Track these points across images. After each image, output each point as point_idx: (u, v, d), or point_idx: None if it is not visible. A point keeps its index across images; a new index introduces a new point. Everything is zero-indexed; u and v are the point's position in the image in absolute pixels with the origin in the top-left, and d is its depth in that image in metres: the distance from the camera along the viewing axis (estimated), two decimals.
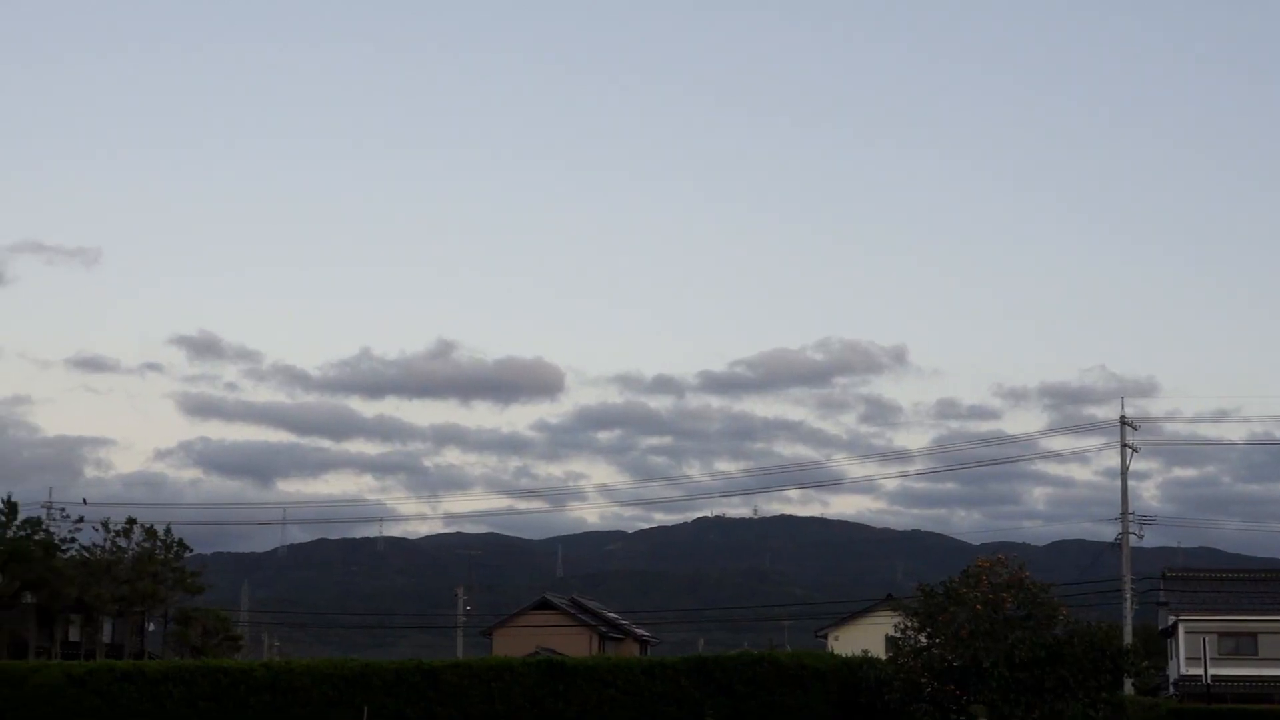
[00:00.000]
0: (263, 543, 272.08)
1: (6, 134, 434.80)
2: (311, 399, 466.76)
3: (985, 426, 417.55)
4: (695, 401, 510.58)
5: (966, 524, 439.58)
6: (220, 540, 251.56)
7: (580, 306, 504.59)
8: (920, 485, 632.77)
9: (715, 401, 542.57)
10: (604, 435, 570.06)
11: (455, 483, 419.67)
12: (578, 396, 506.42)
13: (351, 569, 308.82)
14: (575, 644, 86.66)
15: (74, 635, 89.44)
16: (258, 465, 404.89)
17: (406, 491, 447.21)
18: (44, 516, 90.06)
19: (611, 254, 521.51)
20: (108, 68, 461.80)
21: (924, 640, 34.40)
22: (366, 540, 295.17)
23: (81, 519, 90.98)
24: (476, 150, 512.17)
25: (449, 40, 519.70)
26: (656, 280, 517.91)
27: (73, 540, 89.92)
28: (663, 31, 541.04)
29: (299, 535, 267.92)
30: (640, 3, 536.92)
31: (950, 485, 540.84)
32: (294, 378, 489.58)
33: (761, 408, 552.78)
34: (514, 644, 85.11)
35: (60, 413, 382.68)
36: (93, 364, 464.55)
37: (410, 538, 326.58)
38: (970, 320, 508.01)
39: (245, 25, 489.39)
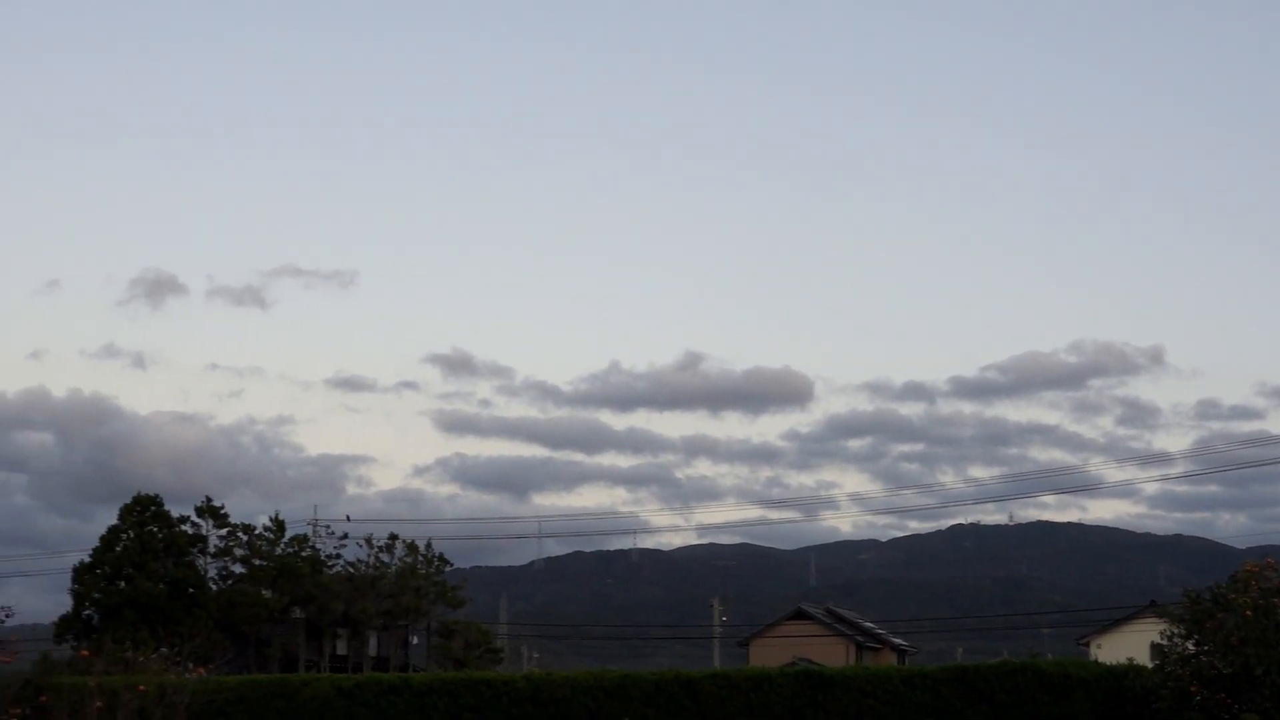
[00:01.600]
0: (519, 556, 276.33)
1: (264, 164, 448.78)
2: (563, 413, 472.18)
3: (1249, 427, 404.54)
4: (946, 407, 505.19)
5: (1231, 527, 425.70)
6: (478, 554, 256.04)
7: (828, 314, 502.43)
8: (1182, 488, 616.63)
9: (967, 407, 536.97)
10: (854, 443, 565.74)
11: (707, 494, 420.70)
12: (827, 405, 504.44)
13: (606, 581, 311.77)
14: (832, 654, 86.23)
15: (341, 649, 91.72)
16: (512, 480, 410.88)
17: (659, 503, 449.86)
18: (310, 533, 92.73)
19: (858, 261, 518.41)
20: (356, 98, 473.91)
21: (1191, 648, 33.48)
22: (621, 552, 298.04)
23: (346, 535, 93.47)
24: (721, 162, 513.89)
25: (693, 54, 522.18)
26: (904, 286, 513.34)
27: (338, 556, 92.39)
28: (910, 49, 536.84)
29: (555, 548, 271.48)
30: (898, 27, 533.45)
31: (1213, 488, 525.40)
32: (545, 392, 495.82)
33: (1014, 412, 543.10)
34: (770, 654, 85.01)
35: (322, 432, 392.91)
36: (351, 384, 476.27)
37: (664, 549, 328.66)
38: (1230, 318, 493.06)
39: (478, 44, 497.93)
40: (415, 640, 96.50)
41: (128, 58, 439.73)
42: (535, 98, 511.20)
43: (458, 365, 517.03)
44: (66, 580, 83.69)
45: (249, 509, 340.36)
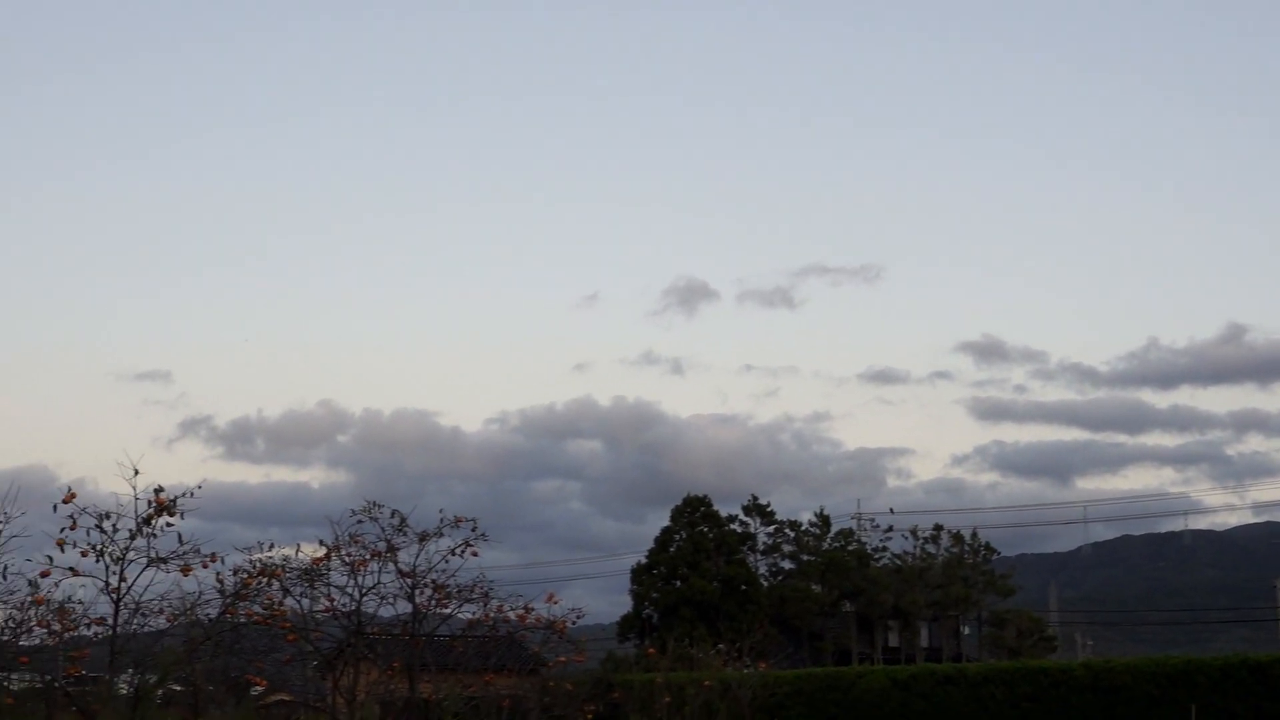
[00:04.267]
0: (1065, 542, 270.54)
1: (785, 165, 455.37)
2: (1101, 394, 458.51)
3: None
4: None
5: None
6: (1023, 541, 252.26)
7: None
8: None
9: None
10: None
11: (1262, 470, 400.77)
12: None
13: (1158, 564, 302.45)
14: None
15: (892, 640, 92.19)
16: (1053, 465, 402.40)
17: (1210, 482, 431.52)
18: (854, 527, 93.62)
19: None
20: (853, 94, 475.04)
21: None
22: (1172, 534, 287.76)
23: (891, 528, 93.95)
24: (1256, 123, 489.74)
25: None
26: None
27: (884, 549, 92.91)
28: None
29: (1102, 532, 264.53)
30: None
31: None
32: (1082, 374, 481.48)
33: None
34: None
35: (858, 426, 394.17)
36: (884, 376, 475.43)
37: (1218, 529, 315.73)
38: None
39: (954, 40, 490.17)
40: (966, 630, 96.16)
41: (653, 85, 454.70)
42: (1031, 89, 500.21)
43: (989, 352, 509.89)
44: (622, 581, 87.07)
45: (792, 505, 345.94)
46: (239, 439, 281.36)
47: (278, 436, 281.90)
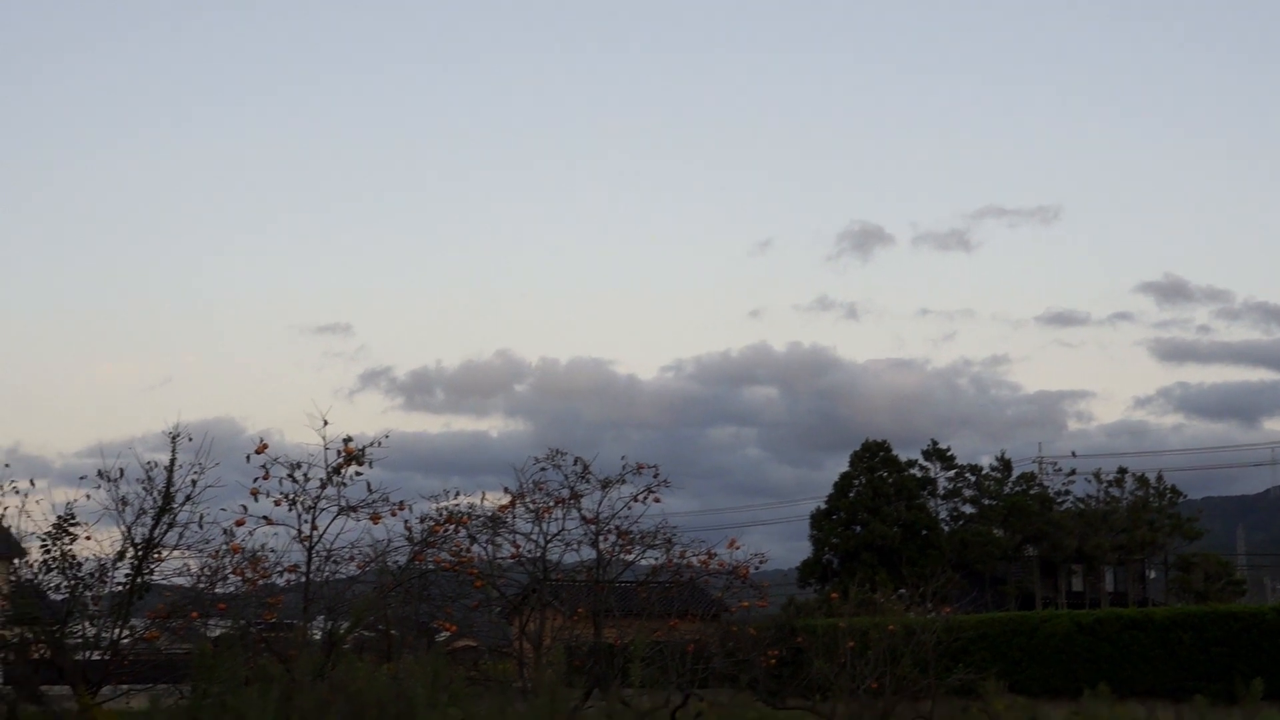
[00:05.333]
0: (1253, 484, 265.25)
1: (958, 107, 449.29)
2: None
3: None
4: None
5: None
6: (1209, 484, 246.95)
7: None
8: None
9: None
10: None
11: None
12: None
13: None
14: None
15: (1076, 585, 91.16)
16: (1240, 406, 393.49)
17: None
18: (1036, 471, 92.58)
19: None
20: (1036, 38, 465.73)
21: None
22: None
23: (1074, 471, 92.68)
24: None
25: None
26: None
27: (1067, 493, 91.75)
28: None
29: None
30: None
31: None
32: (1269, 313, 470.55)
33: None
34: None
35: (1037, 369, 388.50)
36: (1063, 319, 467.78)
37: None
38: None
39: None
40: (1153, 574, 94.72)
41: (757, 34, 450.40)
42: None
43: (1171, 292, 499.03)
44: (798, 527, 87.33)
45: (971, 449, 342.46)
46: (418, 389, 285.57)
47: (456, 386, 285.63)
